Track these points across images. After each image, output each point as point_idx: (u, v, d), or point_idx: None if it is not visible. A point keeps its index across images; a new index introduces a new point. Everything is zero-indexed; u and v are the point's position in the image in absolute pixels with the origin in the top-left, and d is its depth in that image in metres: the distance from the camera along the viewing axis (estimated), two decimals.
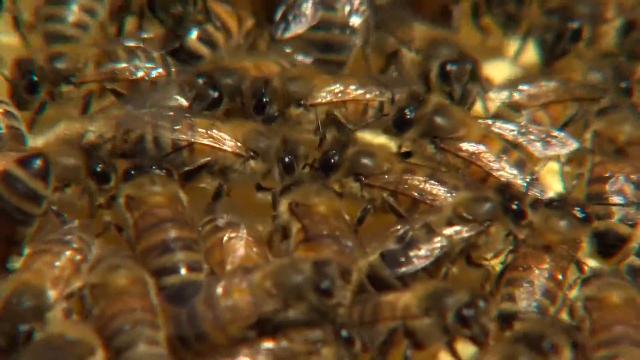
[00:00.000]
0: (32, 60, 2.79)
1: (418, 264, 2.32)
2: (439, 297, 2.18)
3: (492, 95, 3.01)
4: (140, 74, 2.79)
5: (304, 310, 2.15)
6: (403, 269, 2.31)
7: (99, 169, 2.49)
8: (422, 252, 2.33)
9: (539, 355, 2.05)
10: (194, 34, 2.91)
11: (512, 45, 3.36)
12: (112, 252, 2.36)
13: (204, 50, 2.91)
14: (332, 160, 2.57)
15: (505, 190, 2.43)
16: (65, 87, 2.77)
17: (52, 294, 2.19)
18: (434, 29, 3.12)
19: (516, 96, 2.99)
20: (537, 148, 2.76)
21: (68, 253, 2.30)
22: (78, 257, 2.30)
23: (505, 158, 2.66)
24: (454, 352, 2.19)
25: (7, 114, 2.65)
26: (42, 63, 2.77)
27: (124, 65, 2.80)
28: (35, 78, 2.75)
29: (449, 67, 2.89)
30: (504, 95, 3.00)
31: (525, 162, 2.70)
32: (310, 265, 2.19)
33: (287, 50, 2.94)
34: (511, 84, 3.06)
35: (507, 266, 2.44)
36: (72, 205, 2.53)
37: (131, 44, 2.90)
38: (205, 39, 2.92)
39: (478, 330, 2.13)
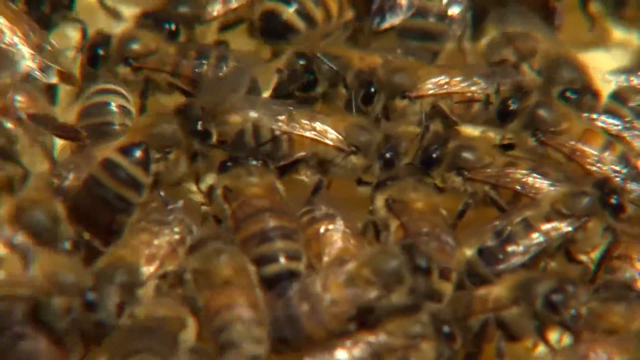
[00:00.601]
0: (108, 36, 2.84)
1: (516, 261, 2.30)
2: (528, 286, 2.16)
3: (609, 77, 2.93)
4: (199, 70, 2.75)
5: (405, 294, 2.15)
6: (501, 266, 2.29)
7: (199, 127, 2.50)
8: (520, 249, 2.30)
9: None
10: (293, 7, 2.84)
11: (615, 35, 3.26)
12: (214, 235, 2.35)
13: (300, 24, 2.84)
14: (434, 155, 2.53)
15: (604, 184, 2.39)
16: (122, 69, 2.78)
17: (145, 270, 2.22)
18: (554, 42, 3.01)
19: (635, 81, 2.90)
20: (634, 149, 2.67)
21: (167, 233, 2.33)
22: (176, 238, 2.32)
23: (607, 153, 2.60)
24: (545, 340, 2.16)
25: (124, 109, 2.64)
26: (115, 41, 2.81)
27: (189, 62, 2.78)
28: (100, 52, 2.78)
29: (569, 95, 2.81)
30: (621, 78, 2.92)
31: (629, 157, 2.61)
32: (401, 248, 2.21)
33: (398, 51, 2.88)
34: (630, 69, 2.98)
35: (606, 255, 2.40)
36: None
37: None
38: (303, 13, 2.85)
39: (568, 315, 2.10)
